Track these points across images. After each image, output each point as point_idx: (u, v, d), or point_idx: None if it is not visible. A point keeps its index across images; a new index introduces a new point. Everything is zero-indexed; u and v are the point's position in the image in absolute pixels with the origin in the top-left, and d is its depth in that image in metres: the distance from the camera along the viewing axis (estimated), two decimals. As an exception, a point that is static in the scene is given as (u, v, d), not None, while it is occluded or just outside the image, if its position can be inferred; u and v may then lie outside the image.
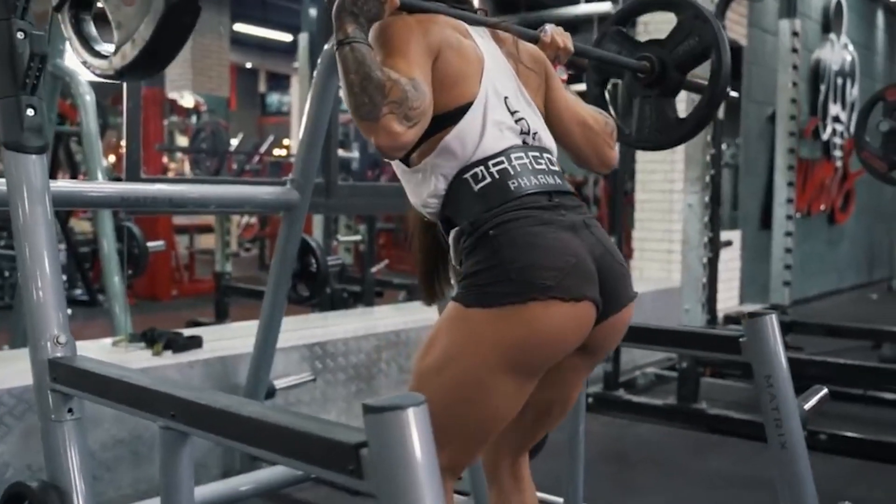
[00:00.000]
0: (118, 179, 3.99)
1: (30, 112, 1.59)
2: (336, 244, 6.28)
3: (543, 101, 1.62)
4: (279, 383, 2.95)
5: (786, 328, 4.93)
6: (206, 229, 8.49)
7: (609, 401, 4.15)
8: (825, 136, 8.21)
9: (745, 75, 6.86)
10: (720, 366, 4.71)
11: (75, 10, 1.42)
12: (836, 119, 8.43)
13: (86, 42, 1.42)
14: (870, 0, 9.64)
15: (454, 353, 1.39)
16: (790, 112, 5.80)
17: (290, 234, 2.64)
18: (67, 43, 1.48)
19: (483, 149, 1.44)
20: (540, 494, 2.52)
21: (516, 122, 1.49)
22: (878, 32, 10.14)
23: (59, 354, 1.56)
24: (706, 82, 1.96)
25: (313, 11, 6.37)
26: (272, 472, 2.66)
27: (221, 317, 5.70)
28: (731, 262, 6.45)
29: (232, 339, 3.20)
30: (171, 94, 9.36)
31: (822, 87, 8.13)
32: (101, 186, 2.96)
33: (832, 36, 8.30)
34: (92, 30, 1.43)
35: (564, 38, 1.72)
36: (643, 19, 4.89)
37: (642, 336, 2.02)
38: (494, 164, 1.44)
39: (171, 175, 8.75)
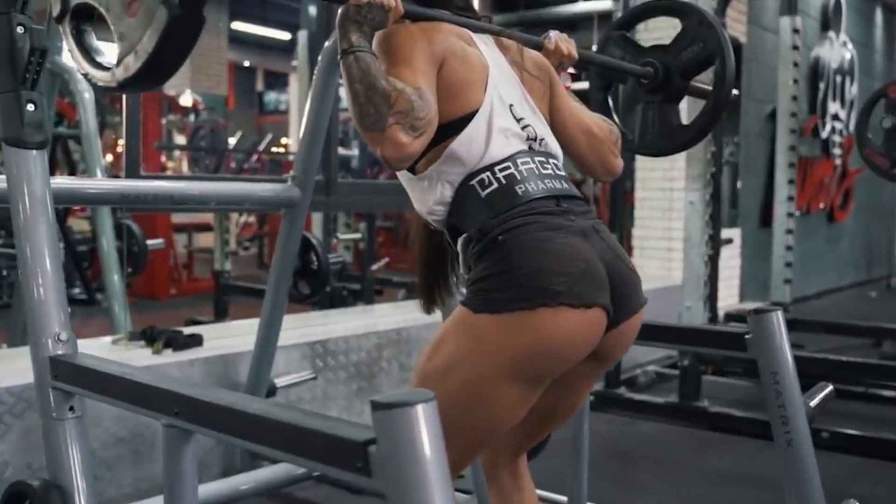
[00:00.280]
0: (117, 178, 3.97)
1: (30, 107, 1.57)
2: (336, 242, 6.26)
3: (548, 109, 1.60)
4: (280, 381, 2.94)
5: (787, 326, 4.92)
6: (205, 228, 8.47)
7: (610, 399, 4.14)
8: (824, 134, 8.21)
9: (745, 73, 6.86)
10: (721, 363, 4.70)
11: (77, 20, 1.40)
12: (835, 117, 8.43)
13: (87, 54, 1.40)
14: (869, -2, 9.66)
15: (460, 358, 1.37)
16: (791, 109, 5.79)
17: (292, 231, 2.63)
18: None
19: (490, 155, 1.42)
20: (544, 493, 2.53)
21: (523, 128, 1.48)
22: (877, 30, 10.15)
23: (60, 352, 1.55)
24: (710, 88, 1.95)
25: (312, 9, 6.35)
26: (273, 471, 2.64)
27: (220, 315, 5.69)
28: (731, 260, 6.44)
29: (232, 337, 3.18)
30: (170, 93, 9.35)
31: (822, 85, 8.13)
32: (101, 183, 2.95)
33: (831, 34, 8.30)
34: (94, 41, 1.41)
35: (569, 45, 1.71)
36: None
37: (647, 333, 1.99)
38: (501, 170, 1.42)
39: (169, 174, 8.73)
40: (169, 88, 9.35)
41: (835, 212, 8.72)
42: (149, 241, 4.65)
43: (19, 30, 1.55)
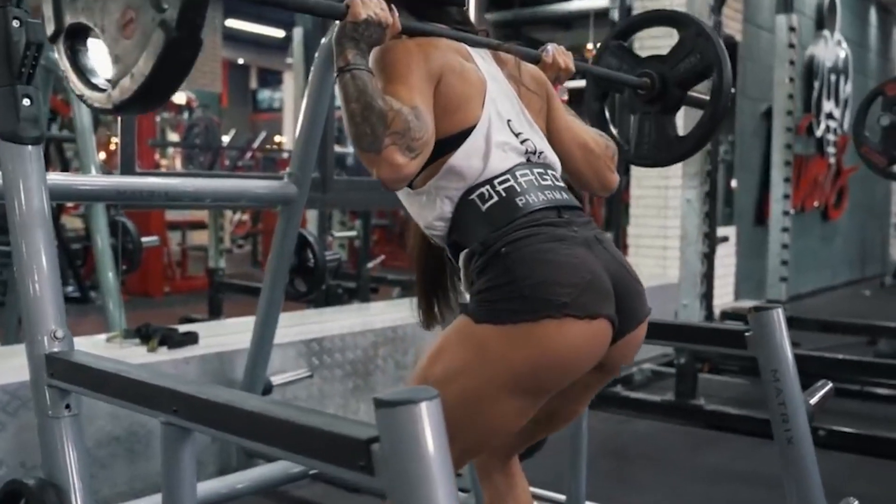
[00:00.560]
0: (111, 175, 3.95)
1: (26, 102, 1.55)
2: (331, 240, 6.25)
3: (545, 124, 1.59)
4: (276, 379, 2.93)
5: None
6: (199, 226, 8.45)
7: (606, 397, 4.12)
8: (819, 133, 8.23)
9: (740, 72, 6.86)
10: (718, 361, 4.71)
11: (71, 41, 1.38)
12: (830, 116, 8.45)
13: (82, 74, 1.38)
14: (863, -3, 9.68)
15: (461, 368, 1.34)
16: (787, 108, 5.79)
17: (288, 228, 2.62)
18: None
19: (489, 169, 1.41)
20: (542, 492, 2.52)
21: (521, 142, 1.47)
22: (871, 29, 10.17)
23: (56, 349, 1.53)
24: (707, 98, 1.95)
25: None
26: (269, 469, 2.63)
27: (215, 313, 5.67)
28: (726, 259, 6.45)
29: (227, 335, 3.17)
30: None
31: (816, 84, 8.15)
32: (97, 180, 2.93)
33: (826, 33, 8.32)
34: (89, 62, 1.39)
35: (566, 59, 1.70)
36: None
37: (647, 331, 2.00)
38: (500, 183, 1.40)
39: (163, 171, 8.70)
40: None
41: (829, 210, 8.74)
42: (143, 239, 4.64)
43: (15, 23, 1.53)
